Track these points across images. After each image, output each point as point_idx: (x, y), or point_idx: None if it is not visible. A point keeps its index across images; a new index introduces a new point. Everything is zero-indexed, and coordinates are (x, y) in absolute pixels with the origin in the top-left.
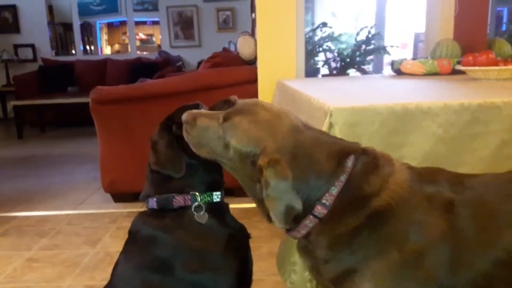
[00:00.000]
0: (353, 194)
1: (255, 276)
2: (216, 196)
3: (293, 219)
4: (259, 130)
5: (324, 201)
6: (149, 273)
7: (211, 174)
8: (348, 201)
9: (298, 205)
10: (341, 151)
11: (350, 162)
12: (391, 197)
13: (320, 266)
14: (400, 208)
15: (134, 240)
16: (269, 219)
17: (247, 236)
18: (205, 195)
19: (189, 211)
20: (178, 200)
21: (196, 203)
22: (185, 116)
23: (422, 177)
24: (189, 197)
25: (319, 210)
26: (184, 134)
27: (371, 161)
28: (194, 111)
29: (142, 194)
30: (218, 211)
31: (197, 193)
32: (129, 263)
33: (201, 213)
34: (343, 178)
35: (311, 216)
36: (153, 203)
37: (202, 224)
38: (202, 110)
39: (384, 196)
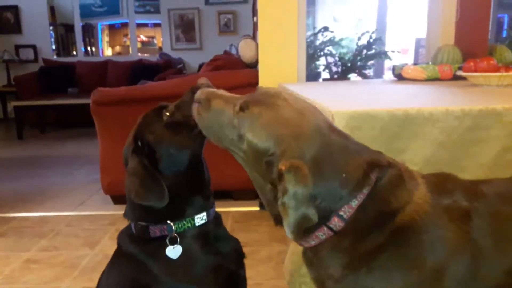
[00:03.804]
0: (377, 208)
1: (254, 280)
2: (200, 219)
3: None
4: (280, 128)
5: (341, 213)
6: None
7: (193, 194)
8: (371, 215)
9: (314, 217)
10: (367, 162)
11: (375, 174)
12: (416, 212)
13: (326, 281)
14: (423, 223)
15: (119, 253)
16: (277, 222)
17: (240, 257)
18: (185, 222)
19: (166, 242)
20: (154, 231)
21: (170, 234)
22: (199, 94)
23: (437, 188)
24: (165, 227)
25: (336, 222)
26: (195, 114)
27: (397, 174)
28: (209, 89)
29: (124, 211)
30: (202, 236)
31: (171, 224)
32: (112, 278)
33: (173, 247)
34: (365, 190)
35: (325, 228)
36: (132, 227)
37: (185, 255)
38: (218, 90)
39: (409, 211)
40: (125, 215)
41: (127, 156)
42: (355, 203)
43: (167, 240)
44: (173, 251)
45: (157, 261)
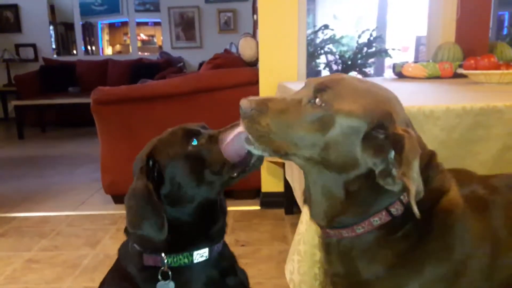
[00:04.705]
0: (430, 196)
1: (255, 279)
2: (200, 256)
3: (360, 213)
4: (373, 93)
5: (402, 197)
6: None
7: (196, 237)
8: (426, 203)
9: (423, 188)
10: (428, 152)
11: (430, 165)
12: (455, 201)
13: (362, 276)
14: (458, 214)
15: (118, 266)
16: (329, 223)
17: None
18: (181, 257)
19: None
20: (147, 260)
21: (163, 267)
22: (247, 104)
23: (457, 180)
24: (159, 258)
25: (398, 206)
26: (246, 127)
27: (441, 166)
28: (253, 97)
29: (125, 227)
30: (203, 273)
31: (164, 257)
32: None
33: (166, 282)
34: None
35: (384, 212)
36: (129, 247)
37: None
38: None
39: (450, 198)
40: (125, 230)
41: (136, 170)
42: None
43: (159, 274)
44: (164, 286)
45: None
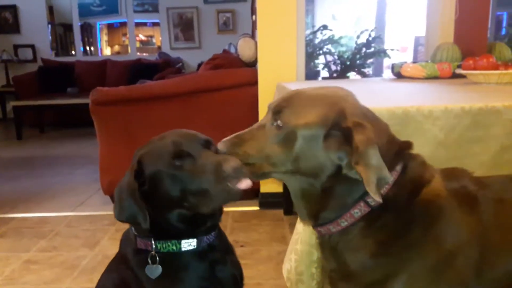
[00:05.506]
0: (408, 185)
1: (254, 280)
2: (187, 245)
3: (338, 208)
4: (324, 98)
5: None
6: None
7: (183, 227)
8: (403, 192)
9: (388, 175)
10: (399, 141)
11: (405, 155)
12: (438, 190)
13: (351, 268)
14: (443, 204)
15: (118, 251)
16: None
17: (237, 285)
18: (170, 244)
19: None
20: (140, 243)
21: (152, 251)
22: (223, 145)
23: (447, 176)
24: (149, 243)
25: None
26: (252, 177)
27: (422, 159)
28: (226, 138)
29: None
30: (192, 260)
31: (153, 241)
32: (106, 273)
33: (154, 266)
34: (399, 168)
35: (363, 203)
36: (129, 231)
37: (169, 277)
38: (237, 136)
39: (433, 189)
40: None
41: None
42: (390, 180)
43: (148, 257)
44: (152, 270)
45: (144, 274)
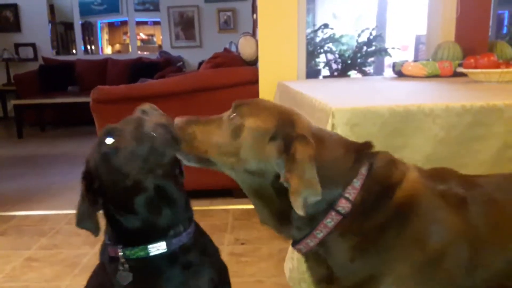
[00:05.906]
0: (378, 187)
1: (255, 278)
2: (155, 249)
3: (308, 221)
4: (281, 110)
5: (347, 195)
6: None
7: (140, 219)
8: (373, 194)
9: (319, 192)
10: (357, 146)
11: (368, 156)
12: (412, 189)
13: (335, 274)
14: (421, 203)
15: (99, 262)
16: (280, 228)
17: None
18: (138, 250)
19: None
20: (110, 251)
21: (121, 258)
22: (180, 119)
23: (433, 177)
24: (118, 250)
25: (343, 204)
26: (185, 150)
27: (388, 157)
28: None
29: None
30: (164, 265)
31: (120, 249)
32: (90, 279)
33: (124, 274)
34: (364, 171)
35: (333, 212)
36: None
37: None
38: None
39: (406, 187)
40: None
41: None
42: (358, 184)
43: (119, 264)
44: (123, 277)
45: (117, 281)
